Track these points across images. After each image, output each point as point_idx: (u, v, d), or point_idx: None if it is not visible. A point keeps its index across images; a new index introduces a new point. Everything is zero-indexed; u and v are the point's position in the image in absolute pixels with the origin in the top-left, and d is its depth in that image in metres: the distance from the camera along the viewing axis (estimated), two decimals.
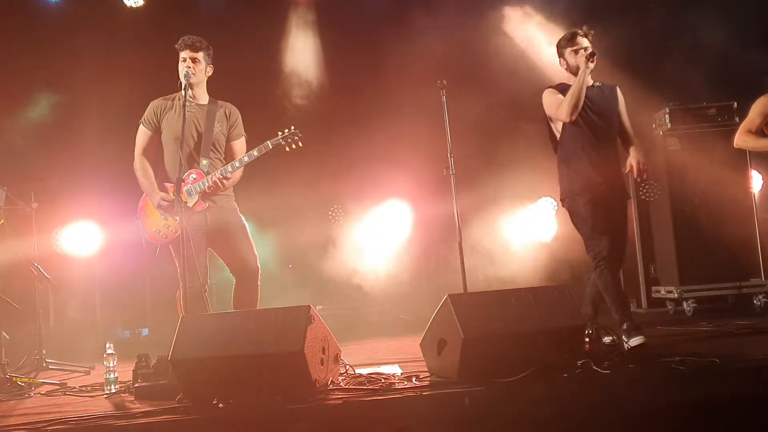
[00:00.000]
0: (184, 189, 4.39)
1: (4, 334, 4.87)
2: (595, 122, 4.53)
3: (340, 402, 3.29)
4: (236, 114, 4.67)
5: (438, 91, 4.68)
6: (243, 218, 4.62)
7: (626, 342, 4.26)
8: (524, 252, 7.24)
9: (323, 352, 3.59)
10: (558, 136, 4.65)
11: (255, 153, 4.43)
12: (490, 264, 7.05)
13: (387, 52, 7.08)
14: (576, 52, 4.52)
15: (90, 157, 6.98)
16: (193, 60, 4.45)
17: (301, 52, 7.85)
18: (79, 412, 3.51)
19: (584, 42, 4.54)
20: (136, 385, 3.85)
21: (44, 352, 5.25)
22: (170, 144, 4.48)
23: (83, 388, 4.30)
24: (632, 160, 4.57)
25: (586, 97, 4.47)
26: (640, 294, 7.25)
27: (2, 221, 5.32)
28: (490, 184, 7.12)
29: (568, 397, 3.29)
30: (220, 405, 3.36)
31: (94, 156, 6.94)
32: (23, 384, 4.43)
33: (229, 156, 4.61)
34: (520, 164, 6.65)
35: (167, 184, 4.49)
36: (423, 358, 3.86)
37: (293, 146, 4.46)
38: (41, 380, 4.67)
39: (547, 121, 4.71)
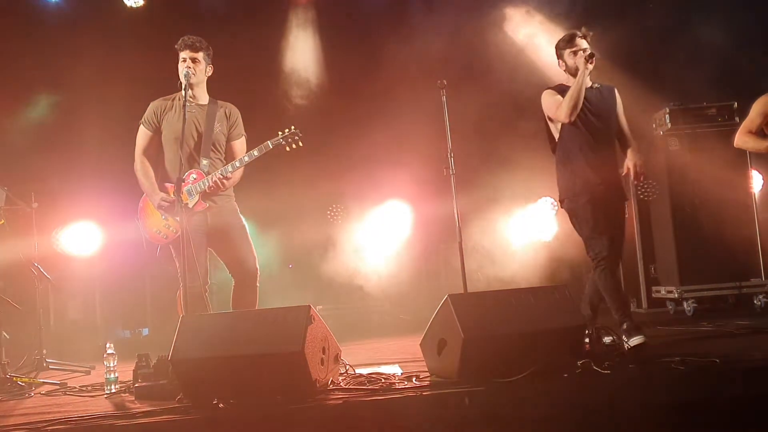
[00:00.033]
0: (185, 189, 4.39)
1: (4, 334, 4.87)
2: (594, 123, 4.53)
3: (341, 402, 3.29)
4: (236, 114, 4.67)
5: (438, 91, 4.69)
6: (243, 219, 4.62)
7: (626, 342, 4.26)
8: (524, 252, 7.24)
9: (323, 352, 3.59)
10: (556, 137, 4.66)
11: (255, 153, 4.43)
12: (490, 264, 7.05)
13: (387, 51, 7.08)
14: (575, 53, 4.53)
15: (90, 158, 6.98)
16: (193, 60, 4.45)
17: (301, 52, 7.85)
18: (80, 412, 3.51)
19: (583, 43, 4.55)
20: (136, 385, 3.85)
21: (44, 351, 5.26)
22: (170, 144, 4.48)
23: (83, 388, 4.31)
24: (629, 162, 4.58)
25: (585, 98, 4.48)
26: (640, 294, 7.25)
27: (3, 221, 5.32)
28: (490, 184, 7.12)
29: (568, 397, 3.29)
30: (221, 405, 3.37)
31: (94, 156, 6.94)
32: (23, 384, 4.44)
33: (229, 156, 4.61)
34: (521, 164, 6.65)
35: (168, 185, 4.49)
36: (423, 358, 3.86)
37: (293, 146, 4.47)
38: (41, 380, 4.68)
39: (545, 121, 4.71)
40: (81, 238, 6.97)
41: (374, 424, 3.15)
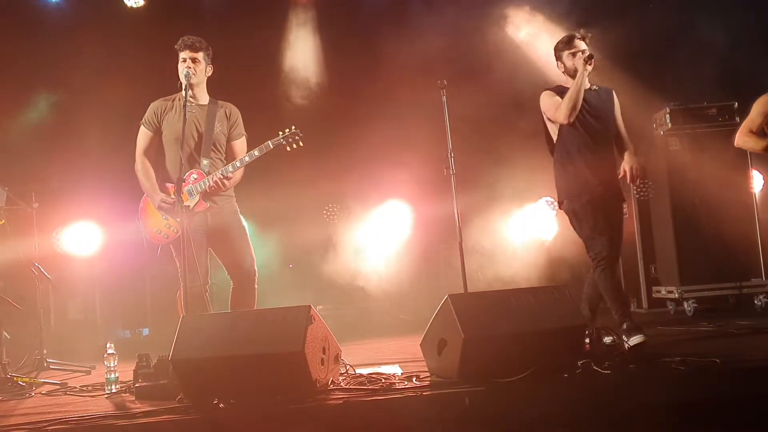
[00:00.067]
0: (185, 189, 4.40)
1: (5, 333, 4.87)
2: (592, 125, 4.56)
3: (341, 402, 3.29)
4: (236, 114, 4.67)
5: (438, 90, 4.69)
6: (243, 220, 4.62)
7: (626, 341, 4.27)
8: (524, 252, 7.24)
9: (324, 352, 3.59)
10: (555, 138, 4.68)
11: (256, 153, 4.43)
12: (490, 264, 7.05)
13: (387, 51, 7.08)
14: (574, 54, 4.55)
15: (90, 158, 6.99)
16: (193, 60, 4.46)
17: (301, 52, 7.85)
18: (80, 412, 3.51)
19: (582, 45, 4.57)
20: (136, 385, 3.85)
21: (45, 351, 5.26)
22: (171, 144, 4.48)
23: (84, 388, 4.31)
24: (626, 165, 4.61)
25: (583, 99, 4.50)
26: (640, 294, 7.24)
27: (3, 221, 5.33)
28: (491, 184, 7.13)
29: (568, 397, 3.29)
30: (221, 405, 3.37)
31: (94, 156, 6.95)
32: (24, 384, 4.44)
33: (229, 156, 4.61)
34: (521, 164, 6.66)
35: (168, 185, 4.49)
36: (423, 358, 3.86)
37: (294, 146, 4.47)
38: (42, 380, 4.68)
39: (543, 123, 4.74)
40: (81, 238, 6.98)
41: (374, 424, 3.15)
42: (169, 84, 4.56)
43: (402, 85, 6.84)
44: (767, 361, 3.76)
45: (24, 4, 7.29)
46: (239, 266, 4.51)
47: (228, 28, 6.98)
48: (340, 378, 3.81)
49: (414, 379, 3.67)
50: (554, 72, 4.87)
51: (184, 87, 4.39)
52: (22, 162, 6.67)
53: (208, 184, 4.42)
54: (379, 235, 7.56)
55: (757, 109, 4.56)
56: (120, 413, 3.39)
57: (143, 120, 4.57)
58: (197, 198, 4.44)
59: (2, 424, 3.36)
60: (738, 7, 6.91)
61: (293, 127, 4.47)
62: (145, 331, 7.53)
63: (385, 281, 7.29)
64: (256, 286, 4.53)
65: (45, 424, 3.25)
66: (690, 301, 6.37)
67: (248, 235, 4.60)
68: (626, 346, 4.25)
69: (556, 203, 6.80)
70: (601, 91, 4.68)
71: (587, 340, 3.93)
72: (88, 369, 5.24)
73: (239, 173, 4.56)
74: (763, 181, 6.86)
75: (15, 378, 4.51)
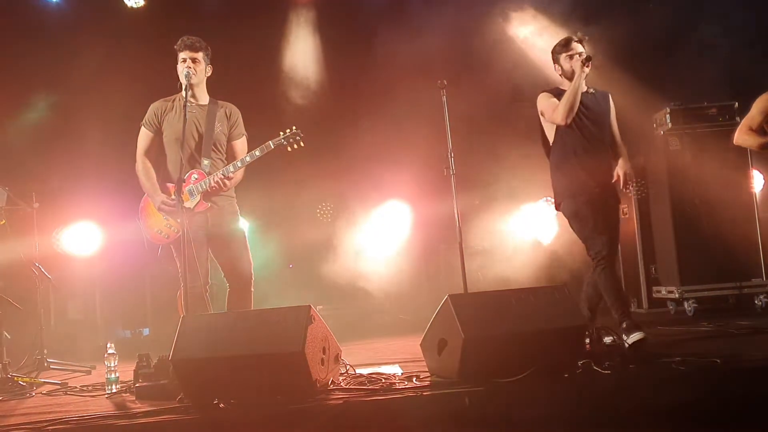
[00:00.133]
0: (186, 189, 4.40)
1: (5, 333, 4.88)
2: (589, 128, 4.60)
3: (341, 402, 3.29)
4: (237, 113, 4.67)
5: (438, 90, 4.70)
6: (243, 221, 4.63)
7: (626, 339, 4.28)
8: (524, 252, 7.24)
9: (324, 352, 3.59)
10: (551, 140, 4.72)
11: (257, 153, 4.43)
12: (490, 264, 7.06)
13: (387, 51, 7.08)
14: (571, 57, 4.59)
15: (90, 158, 6.99)
16: (193, 60, 4.46)
17: (301, 52, 7.85)
18: (80, 412, 3.51)
19: (579, 47, 4.62)
20: (137, 385, 3.85)
21: (45, 351, 5.27)
22: (172, 145, 4.49)
23: (84, 388, 4.31)
24: (620, 169, 4.64)
25: (580, 102, 4.54)
26: (640, 294, 7.24)
27: (3, 221, 5.33)
28: (491, 184, 7.13)
29: (568, 397, 3.29)
30: (221, 405, 3.37)
31: (94, 156, 6.95)
32: (24, 384, 4.44)
33: (230, 156, 4.61)
34: (521, 164, 6.66)
35: (170, 185, 4.49)
36: (423, 358, 3.87)
37: (295, 146, 4.47)
38: (42, 380, 4.68)
39: (540, 125, 4.77)
40: (81, 238, 6.98)
41: (374, 424, 3.15)
42: (169, 84, 4.56)
43: (402, 84, 6.84)
44: (767, 361, 3.76)
45: (24, 4, 7.29)
46: (236, 269, 4.51)
47: (228, 28, 6.98)
48: (340, 378, 3.81)
49: (414, 379, 3.68)
50: (554, 72, 4.88)
51: (184, 87, 4.39)
52: (22, 162, 6.67)
53: (209, 183, 4.43)
54: (379, 235, 7.56)
55: (757, 107, 4.57)
56: (120, 413, 3.39)
57: (144, 121, 4.57)
58: (198, 198, 4.44)
59: (2, 424, 3.36)
60: (738, 7, 6.91)
61: (294, 128, 4.48)
62: (145, 331, 7.53)
63: (385, 281, 7.29)
64: (252, 290, 4.54)
65: (45, 424, 3.25)
66: (690, 301, 6.37)
67: (246, 239, 4.60)
68: (626, 343, 4.26)
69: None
70: (598, 94, 4.72)
71: (587, 340, 3.93)
72: (88, 369, 5.24)
73: (240, 173, 4.56)
74: (763, 181, 6.87)
75: (15, 378, 4.51)
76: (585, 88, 4.62)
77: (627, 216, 7.25)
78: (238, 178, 4.57)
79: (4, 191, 5.37)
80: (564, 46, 4.63)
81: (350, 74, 7.58)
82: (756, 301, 6.33)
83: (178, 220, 4.26)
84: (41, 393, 4.32)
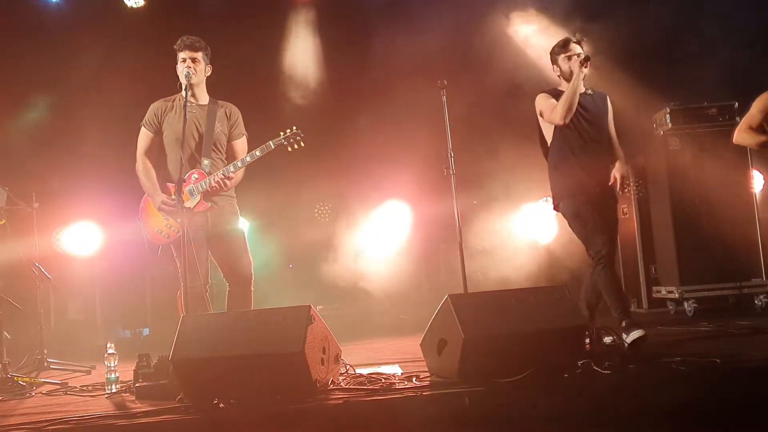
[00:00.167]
0: (186, 189, 4.40)
1: (5, 333, 4.88)
2: (586, 129, 4.62)
3: (341, 402, 3.29)
4: (237, 113, 4.67)
5: (438, 90, 4.70)
6: (243, 221, 4.62)
7: (626, 337, 4.29)
8: (524, 252, 7.24)
9: (324, 352, 3.59)
10: (549, 141, 4.74)
11: (257, 153, 4.43)
12: (490, 264, 7.06)
13: (387, 52, 7.08)
14: (569, 58, 4.61)
15: (90, 158, 7.00)
16: (193, 60, 4.45)
17: (301, 52, 7.86)
18: (80, 412, 3.51)
19: (577, 48, 4.65)
20: (137, 385, 3.86)
21: (45, 351, 5.26)
22: (172, 145, 4.49)
23: (84, 388, 4.31)
24: (616, 172, 4.66)
25: (578, 103, 4.56)
26: (640, 294, 7.24)
27: (3, 221, 5.33)
28: (491, 184, 7.13)
29: (568, 397, 3.30)
30: (221, 405, 3.37)
31: (94, 156, 6.96)
32: (24, 383, 4.44)
33: (230, 155, 4.61)
34: (521, 164, 6.66)
35: (170, 184, 4.49)
36: (423, 358, 3.87)
37: (295, 146, 4.47)
38: (42, 380, 4.68)
39: (538, 126, 4.78)
40: (81, 238, 6.99)
41: (374, 424, 3.15)
42: (169, 84, 4.56)
43: (402, 84, 6.84)
44: (767, 361, 3.76)
45: (24, 4, 7.29)
46: (235, 269, 4.51)
47: (228, 28, 6.98)
48: (340, 378, 3.81)
49: (414, 379, 3.67)
50: (554, 73, 4.88)
51: (184, 87, 4.39)
52: (22, 162, 6.67)
53: (209, 183, 4.43)
54: (379, 236, 7.56)
55: (757, 106, 4.57)
56: (120, 413, 3.39)
57: (144, 121, 4.57)
58: (198, 198, 4.44)
59: (2, 424, 3.36)
60: (738, 7, 6.91)
61: (294, 128, 4.47)
62: (145, 331, 7.54)
63: (385, 281, 7.29)
64: (252, 289, 4.54)
65: (45, 424, 3.25)
66: (690, 301, 6.37)
67: (246, 239, 4.60)
68: (626, 341, 4.27)
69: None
70: (596, 95, 4.74)
71: (587, 340, 3.93)
72: (88, 369, 5.24)
73: (240, 173, 4.56)
74: (763, 181, 6.86)
75: (15, 378, 4.51)
76: (583, 89, 4.64)
77: (627, 216, 7.25)
78: (238, 178, 4.57)
79: (4, 191, 5.37)
80: (562, 47, 4.66)
81: (350, 74, 7.58)
82: (756, 301, 6.32)
83: (178, 220, 4.26)
84: (41, 393, 4.31)
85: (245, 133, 4.68)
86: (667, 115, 6.63)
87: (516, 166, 6.78)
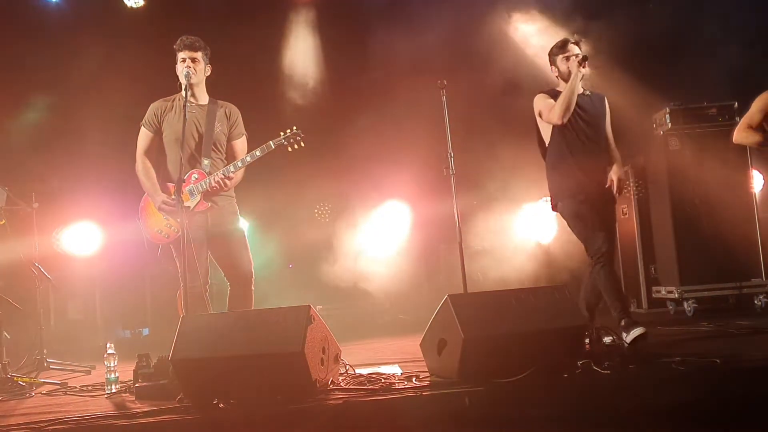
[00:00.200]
0: (186, 189, 4.40)
1: (5, 333, 4.88)
2: (584, 129, 4.64)
3: (341, 402, 3.29)
4: (236, 113, 4.67)
5: (438, 90, 4.70)
6: (242, 221, 4.62)
7: (626, 336, 4.29)
8: (524, 252, 7.24)
9: (323, 352, 3.59)
10: (547, 141, 4.75)
11: (258, 153, 4.43)
12: (490, 264, 7.06)
13: (387, 51, 7.08)
14: (567, 58, 4.63)
15: (90, 158, 7.00)
16: (193, 60, 4.45)
17: (301, 52, 7.86)
18: (80, 412, 3.51)
19: (575, 49, 4.67)
20: (136, 385, 3.85)
21: (45, 351, 5.26)
22: (172, 145, 4.49)
23: (84, 388, 4.31)
24: (613, 175, 4.67)
25: (577, 104, 4.57)
26: (640, 294, 7.24)
27: (3, 221, 5.33)
28: (491, 184, 7.13)
29: (568, 397, 3.30)
30: (221, 405, 3.37)
31: (94, 156, 6.96)
32: (24, 384, 4.44)
33: (230, 155, 4.61)
34: (521, 164, 6.65)
35: (170, 184, 4.49)
36: (423, 358, 3.87)
37: (295, 146, 4.47)
38: (42, 380, 4.68)
39: (536, 126, 4.79)
40: (81, 238, 6.99)
41: (374, 424, 3.15)
42: (169, 84, 4.56)
43: (402, 84, 6.84)
44: (767, 361, 3.76)
45: (24, 4, 7.29)
46: (236, 269, 4.51)
47: (228, 28, 6.98)
48: (340, 378, 3.81)
49: (414, 379, 3.67)
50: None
51: (183, 87, 4.39)
52: (22, 162, 6.67)
53: (209, 183, 4.43)
54: (379, 236, 7.56)
55: (757, 105, 4.59)
56: (120, 413, 3.39)
57: (143, 121, 4.57)
58: (198, 198, 4.44)
59: (2, 424, 3.36)
60: (738, 7, 6.91)
61: (294, 128, 4.47)
62: (145, 331, 7.54)
63: (385, 281, 7.29)
64: (253, 288, 4.54)
65: (45, 424, 3.25)
66: (690, 301, 6.37)
67: (246, 239, 4.60)
68: (627, 340, 4.27)
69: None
70: (594, 96, 4.76)
71: (587, 340, 3.93)
72: (88, 369, 5.24)
73: (240, 173, 4.56)
74: (763, 181, 6.86)
75: (15, 378, 4.51)
76: (581, 90, 4.65)
77: (627, 216, 7.25)
78: (238, 178, 4.57)
79: (4, 191, 5.37)
80: (561, 47, 4.68)
81: (350, 74, 7.58)
82: (756, 301, 6.32)
83: (178, 220, 4.26)
84: (41, 393, 4.31)
85: (245, 133, 4.68)
86: (667, 115, 6.63)
87: (516, 166, 6.78)
